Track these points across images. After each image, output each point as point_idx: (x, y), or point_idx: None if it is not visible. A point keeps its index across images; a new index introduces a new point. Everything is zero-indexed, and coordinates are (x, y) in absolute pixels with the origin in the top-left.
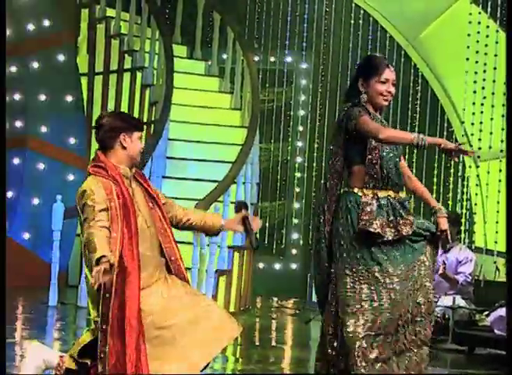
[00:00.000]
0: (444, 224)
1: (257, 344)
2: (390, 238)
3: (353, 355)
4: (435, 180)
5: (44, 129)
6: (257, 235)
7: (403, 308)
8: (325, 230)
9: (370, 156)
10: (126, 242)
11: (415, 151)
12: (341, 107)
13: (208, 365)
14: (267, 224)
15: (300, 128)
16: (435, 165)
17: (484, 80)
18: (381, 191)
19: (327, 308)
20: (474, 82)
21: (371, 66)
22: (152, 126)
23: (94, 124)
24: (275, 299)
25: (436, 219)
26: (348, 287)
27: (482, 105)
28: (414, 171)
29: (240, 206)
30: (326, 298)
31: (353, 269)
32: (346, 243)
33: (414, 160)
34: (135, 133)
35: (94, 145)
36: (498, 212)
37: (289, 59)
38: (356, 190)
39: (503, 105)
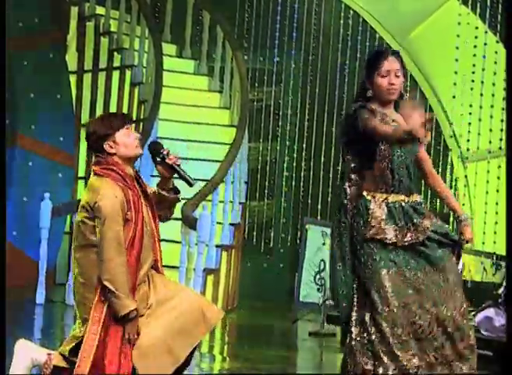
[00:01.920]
0: (470, 233)
1: (245, 343)
2: (400, 244)
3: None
4: (423, 181)
5: (33, 127)
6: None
7: (416, 317)
8: (347, 232)
9: (381, 161)
10: (129, 245)
11: None
12: (348, 107)
13: (192, 355)
14: (255, 223)
15: (289, 127)
16: None
17: (473, 81)
18: (392, 195)
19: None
20: (463, 83)
21: (370, 61)
22: (141, 124)
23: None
24: (263, 298)
25: (461, 228)
26: (356, 292)
27: (471, 106)
28: None
29: (155, 148)
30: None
31: (364, 274)
32: (360, 247)
33: None
34: (117, 134)
35: (83, 143)
36: (486, 212)
37: (278, 59)
38: (365, 193)
39: (492, 107)
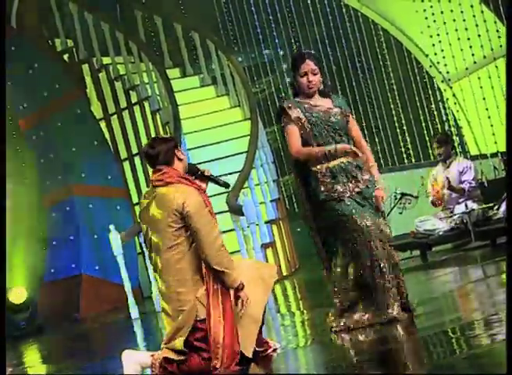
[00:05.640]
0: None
1: (316, 294)
2: (348, 195)
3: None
4: (420, 111)
5: (83, 175)
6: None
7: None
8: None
9: (314, 140)
10: None
11: (396, 93)
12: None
13: (264, 312)
14: (292, 194)
15: None
16: (416, 98)
17: (433, 14)
18: (331, 162)
19: None
20: (426, 18)
21: (293, 62)
22: None
23: (144, 155)
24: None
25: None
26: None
27: (438, 35)
28: (400, 109)
29: (193, 169)
30: None
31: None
32: (318, 205)
33: (398, 100)
34: (180, 148)
35: (129, 175)
36: (480, 119)
37: (267, 51)
38: (313, 168)
39: (456, 30)
